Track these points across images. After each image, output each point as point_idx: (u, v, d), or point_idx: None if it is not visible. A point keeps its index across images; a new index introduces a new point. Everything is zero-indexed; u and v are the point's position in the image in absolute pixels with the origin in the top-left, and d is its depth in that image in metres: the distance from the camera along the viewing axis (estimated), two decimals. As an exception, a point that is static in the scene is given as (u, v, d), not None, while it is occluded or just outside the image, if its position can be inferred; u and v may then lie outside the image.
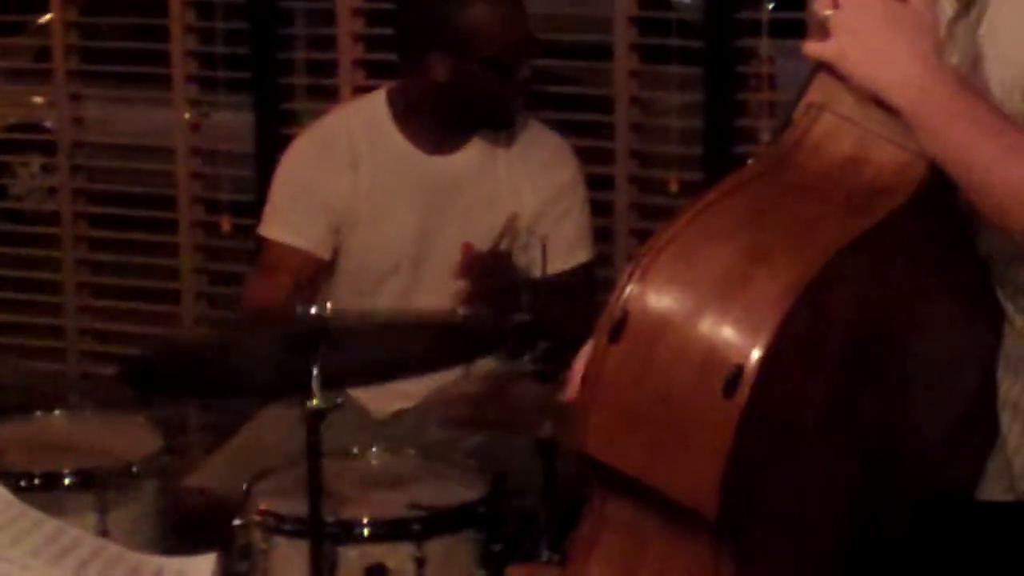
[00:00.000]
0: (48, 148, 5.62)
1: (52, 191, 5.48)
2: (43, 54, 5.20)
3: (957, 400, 2.44)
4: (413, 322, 3.54)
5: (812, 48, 2.27)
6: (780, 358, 2.05)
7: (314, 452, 2.99)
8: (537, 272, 3.54)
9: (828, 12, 2.25)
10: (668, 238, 2.17)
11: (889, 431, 2.34)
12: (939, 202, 2.30)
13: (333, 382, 3.03)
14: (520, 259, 3.76)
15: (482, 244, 3.75)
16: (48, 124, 5.39)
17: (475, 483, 3.31)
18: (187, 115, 4.76)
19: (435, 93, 3.72)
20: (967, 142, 2.22)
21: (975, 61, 2.38)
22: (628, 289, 2.14)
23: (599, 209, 4.03)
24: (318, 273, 3.79)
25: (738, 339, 2.07)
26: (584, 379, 2.20)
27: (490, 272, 3.62)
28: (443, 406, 3.60)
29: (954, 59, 2.47)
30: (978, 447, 2.46)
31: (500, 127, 3.78)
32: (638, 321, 2.14)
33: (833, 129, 2.27)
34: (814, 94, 2.29)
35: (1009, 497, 2.46)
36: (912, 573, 2.47)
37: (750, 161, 2.40)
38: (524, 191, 3.79)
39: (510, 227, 3.77)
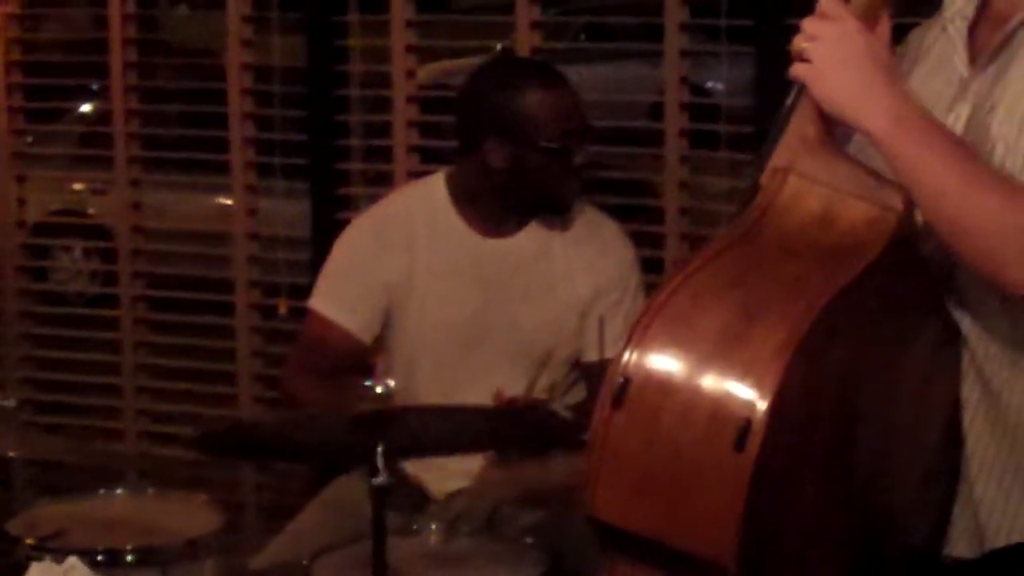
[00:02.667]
0: (90, 233, 5.68)
1: (94, 276, 5.46)
2: (86, 141, 5.25)
3: (924, 453, 2.49)
4: (471, 412, 3.54)
5: (794, 69, 2.31)
6: (784, 410, 2.11)
7: (379, 528, 3.02)
8: (595, 355, 3.59)
9: (806, 44, 2.31)
10: (660, 304, 2.21)
11: (875, 481, 2.40)
12: (909, 256, 2.37)
13: (395, 457, 3.07)
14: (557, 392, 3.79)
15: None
16: (91, 210, 5.40)
17: (533, 562, 3.33)
18: (245, 199, 4.79)
19: (493, 178, 3.74)
20: (940, 170, 2.27)
21: (986, 116, 2.43)
22: (627, 355, 2.18)
23: (652, 289, 4.05)
24: (356, 350, 3.81)
25: (743, 394, 2.11)
26: (590, 446, 2.23)
27: (523, 418, 3.56)
28: (500, 485, 3.63)
29: (964, 114, 2.54)
30: (938, 503, 2.50)
31: (558, 212, 3.80)
32: (640, 386, 2.18)
33: (800, 190, 2.33)
34: (778, 159, 2.35)
35: (975, 554, 2.49)
36: None
37: (724, 226, 2.44)
38: (580, 276, 3.80)
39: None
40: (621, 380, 2.17)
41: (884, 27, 2.37)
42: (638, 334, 2.18)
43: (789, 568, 2.25)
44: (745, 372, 2.12)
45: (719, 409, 2.12)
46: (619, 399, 2.17)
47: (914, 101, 2.31)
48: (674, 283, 2.21)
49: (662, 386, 2.16)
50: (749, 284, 2.22)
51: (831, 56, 2.30)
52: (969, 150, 2.31)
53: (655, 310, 2.19)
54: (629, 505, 2.19)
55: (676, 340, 2.18)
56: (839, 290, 2.18)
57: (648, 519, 2.18)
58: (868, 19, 2.35)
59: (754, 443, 2.08)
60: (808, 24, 2.32)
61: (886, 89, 2.29)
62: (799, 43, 2.30)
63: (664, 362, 2.17)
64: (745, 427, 2.08)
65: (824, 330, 2.15)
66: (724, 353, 2.15)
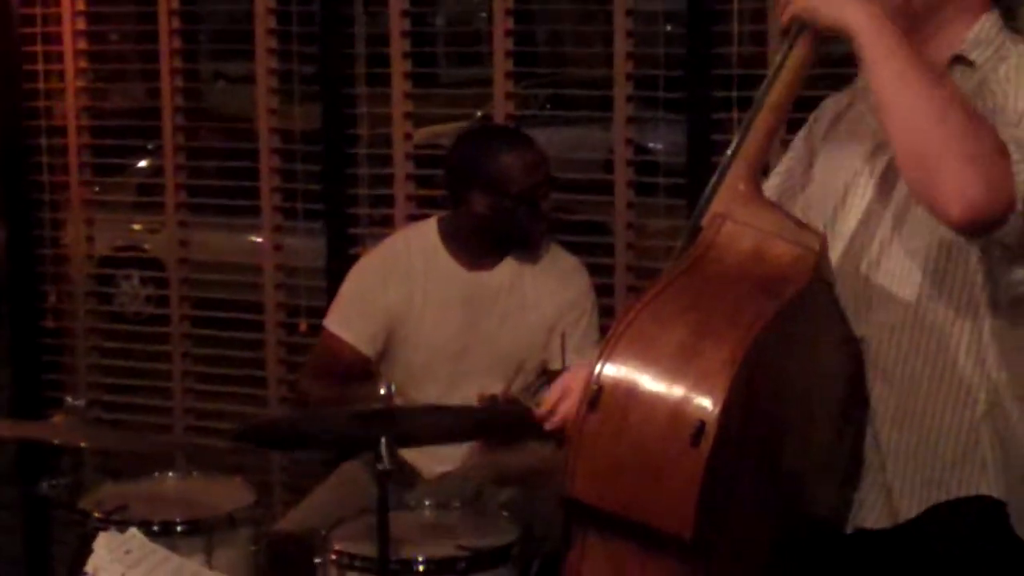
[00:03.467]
0: (146, 264, 5.67)
1: (148, 299, 5.45)
2: (142, 190, 5.24)
3: (828, 439, 2.52)
4: (458, 410, 3.59)
5: (786, 10, 2.36)
6: (730, 412, 2.15)
7: (383, 505, 3.07)
8: (559, 364, 3.62)
9: None
10: (626, 325, 2.26)
11: (793, 464, 2.44)
12: (822, 284, 2.40)
13: (395, 447, 3.10)
14: (531, 392, 3.81)
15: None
16: (148, 246, 5.38)
17: (508, 530, 3.37)
18: (272, 237, 4.80)
19: (476, 222, 3.78)
20: (905, 67, 2.24)
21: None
22: (599, 368, 2.24)
23: (604, 311, 4.04)
24: (360, 362, 3.83)
25: (698, 400, 2.16)
26: (568, 441, 2.28)
27: (502, 413, 3.58)
28: (481, 468, 3.66)
29: (880, 165, 2.52)
30: (840, 481, 2.52)
31: (528, 249, 3.83)
32: (610, 393, 2.23)
33: (736, 233, 2.37)
34: (717, 207, 2.39)
35: (885, 523, 2.50)
36: None
37: (669, 261, 2.46)
38: (546, 301, 3.83)
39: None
40: (595, 387, 2.22)
41: None
42: (608, 350, 2.23)
43: (732, 537, 2.28)
44: (698, 382, 2.17)
45: (678, 412, 2.16)
46: (593, 403, 2.21)
47: (888, 15, 2.29)
48: (636, 308, 2.27)
49: (629, 393, 2.20)
50: (698, 309, 2.26)
51: None
52: (935, 68, 2.31)
53: (622, 330, 2.24)
54: (601, 488, 2.24)
55: (640, 355, 2.22)
56: (770, 316, 2.23)
57: (617, 500, 2.23)
58: None
59: (707, 440, 2.13)
60: None
61: (865, 3, 2.28)
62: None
63: (630, 373, 2.21)
64: (700, 427, 2.13)
65: (760, 346, 2.19)
66: (680, 366, 2.19)
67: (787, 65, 2.40)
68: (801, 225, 2.40)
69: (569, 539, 2.42)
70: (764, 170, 2.59)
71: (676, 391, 2.18)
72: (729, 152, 2.43)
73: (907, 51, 2.26)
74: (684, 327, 2.23)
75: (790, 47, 2.40)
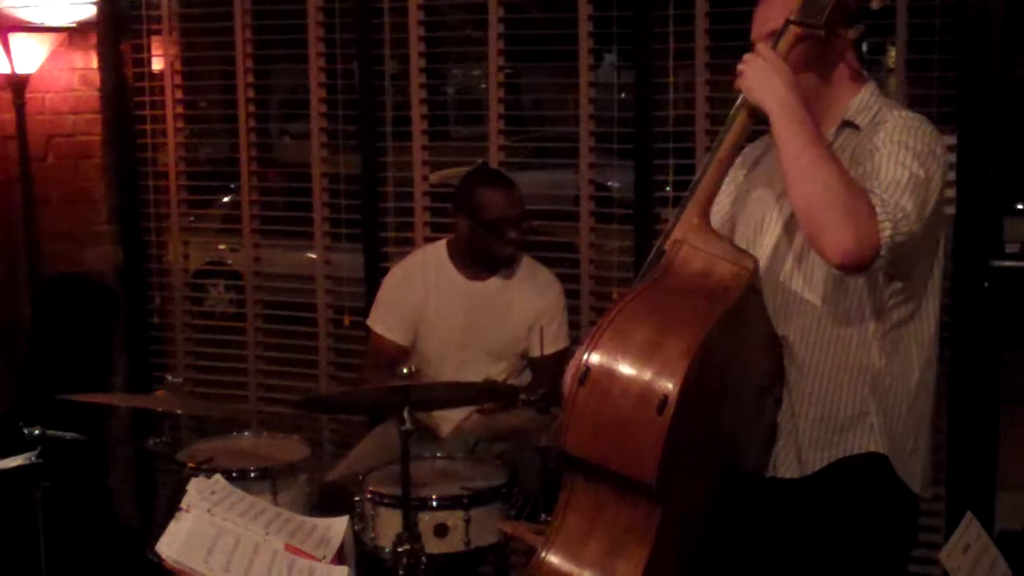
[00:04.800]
0: (229, 276, 5.64)
1: (231, 302, 5.42)
2: (226, 219, 5.22)
3: (753, 407, 2.53)
4: (458, 384, 3.61)
5: (737, 80, 2.37)
6: (687, 389, 2.18)
7: (405, 456, 3.08)
8: (537, 352, 3.60)
9: (742, 66, 2.36)
10: (608, 323, 2.29)
11: (729, 425, 2.44)
12: (755, 294, 2.42)
13: (415, 412, 3.09)
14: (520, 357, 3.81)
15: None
16: (230, 261, 5.35)
17: (500, 474, 3.39)
18: (323, 254, 4.77)
19: (464, 242, 3.77)
20: (801, 143, 2.27)
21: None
22: (586, 354, 2.27)
23: (572, 310, 4.05)
24: (401, 352, 3.81)
25: (662, 380, 2.19)
26: (564, 407, 2.29)
27: (498, 389, 3.57)
28: (480, 427, 3.65)
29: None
30: (762, 441, 2.54)
31: (502, 265, 3.79)
32: (595, 372, 2.25)
33: (690, 255, 2.38)
34: (676, 235, 2.41)
35: (795, 474, 2.52)
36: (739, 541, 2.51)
37: (642, 275, 2.47)
38: (528, 305, 3.81)
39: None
40: (584, 368, 2.24)
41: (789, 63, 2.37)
42: (594, 341, 2.26)
43: (685, 484, 2.29)
44: (663, 367, 2.19)
45: (647, 388, 2.19)
46: (583, 380, 2.25)
47: (799, 99, 2.31)
48: (615, 311, 2.30)
49: (609, 373, 2.23)
50: (662, 312, 2.28)
51: (757, 68, 2.34)
52: (827, 145, 2.31)
53: (604, 327, 2.27)
54: (587, 444, 2.26)
55: (618, 346, 2.24)
56: (716, 318, 2.26)
57: (599, 453, 2.25)
58: (783, 57, 2.36)
59: (669, 410, 2.16)
60: (748, 55, 2.37)
61: (783, 86, 2.30)
62: (741, 64, 2.37)
63: (611, 359, 2.24)
64: (664, 400, 2.16)
65: (709, 340, 2.22)
66: (649, 355, 2.22)
67: (732, 128, 2.42)
68: (740, 250, 2.42)
69: (555, 484, 2.44)
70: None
71: (646, 373, 2.20)
72: (686, 194, 2.44)
73: (807, 133, 2.27)
74: (651, 326, 2.25)
75: (735, 115, 2.41)
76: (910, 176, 2.28)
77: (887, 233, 2.21)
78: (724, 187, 2.62)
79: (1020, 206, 6.99)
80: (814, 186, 2.24)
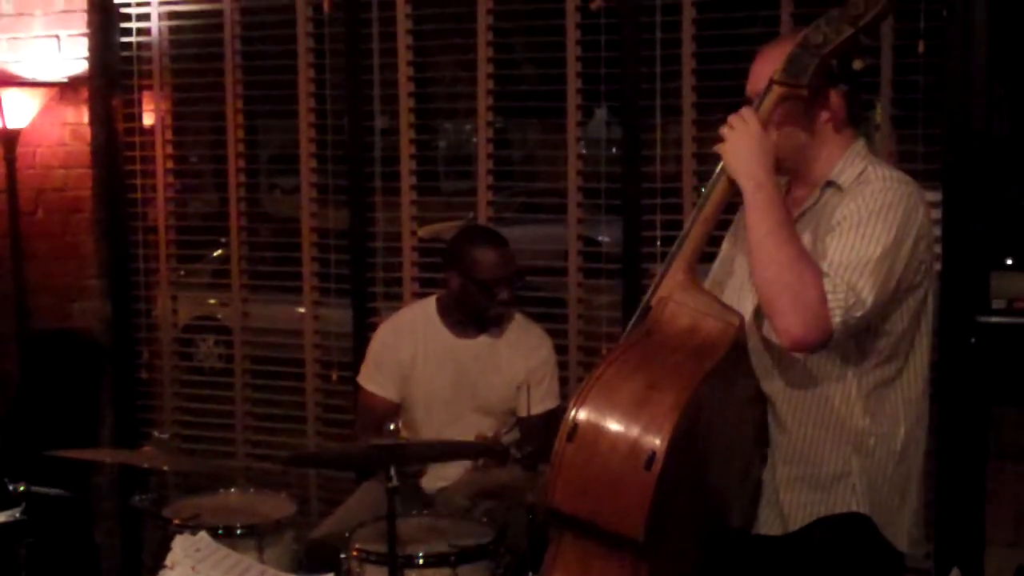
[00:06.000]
0: (219, 331, 5.63)
1: (220, 357, 5.41)
2: (216, 274, 5.22)
3: (740, 466, 2.53)
4: (441, 443, 3.59)
5: (719, 146, 2.39)
6: (674, 445, 2.18)
7: (391, 512, 3.05)
8: (524, 412, 3.59)
9: (725, 130, 2.37)
10: (596, 379, 2.29)
11: (716, 483, 2.45)
12: (740, 351, 2.43)
13: (401, 470, 3.07)
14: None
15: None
16: (220, 316, 5.35)
17: (487, 532, 3.34)
18: (311, 309, 4.76)
19: (454, 299, 3.76)
20: (767, 226, 2.30)
21: None
22: (574, 411, 2.26)
23: (560, 365, 4.04)
24: (392, 408, 3.79)
25: (650, 436, 2.19)
26: (552, 464, 2.28)
27: (490, 449, 3.57)
28: (468, 485, 3.63)
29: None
30: (748, 498, 2.54)
31: (492, 324, 3.78)
32: (584, 428, 2.25)
33: (677, 312, 2.38)
34: (662, 291, 2.42)
35: (778, 531, 2.52)
36: None
37: (629, 331, 2.48)
38: (517, 364, 3.79)
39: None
40: (572, 424, 2.24)
41: (772, 126, 2.39)
42: (582, 397, 2.26)
43: (672, 540, 2.29)
44: (650, 423, 2.19)
45: (635, 444, 2.19)
46: (571, 436, 2.24)
47: (774, 178, 2.34)
48: (603, 367, 2.30)
49: (598, 429, 2.23)
50: (650, 368, 2.28)
51: (737, 139, 2.36)
52: (794, 229, 2.33)
53: (592, 384, 2.28)
54: (575, 500, 2.25)
55: (606, 402, 2.24)
56: (705, 374, 2.26)
57: (587, 509, 2.24)
58: (766, 124, 2.38)
59: (657, 466, 2.16)
60: (732, 118, 2.38)
61: (758, 166, 2.33)
62: (723, 128, 2.39)
63: (599, 415, 2.24)
64: (652, 456, 2.16)
65: (696, 397, 2.22)
66: (637, 411, 2.22)
67: (716, 187, 2.44)
68: (726, 307, 2.43)
69: (542, 541, 2.43)
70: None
71: (634, 429, 2.20)
72: (672, 250, 2.46)
73: (773, 217, 2.31)
74: (639, 382, 2.25)
75: (719, 176, 2.43)
76: (873, 250, 2.31)
77: (837, 319, 2.25)
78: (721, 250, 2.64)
79: (1010, 261, 7.01)
80: (770, 271, 2.28)
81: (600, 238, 4.69)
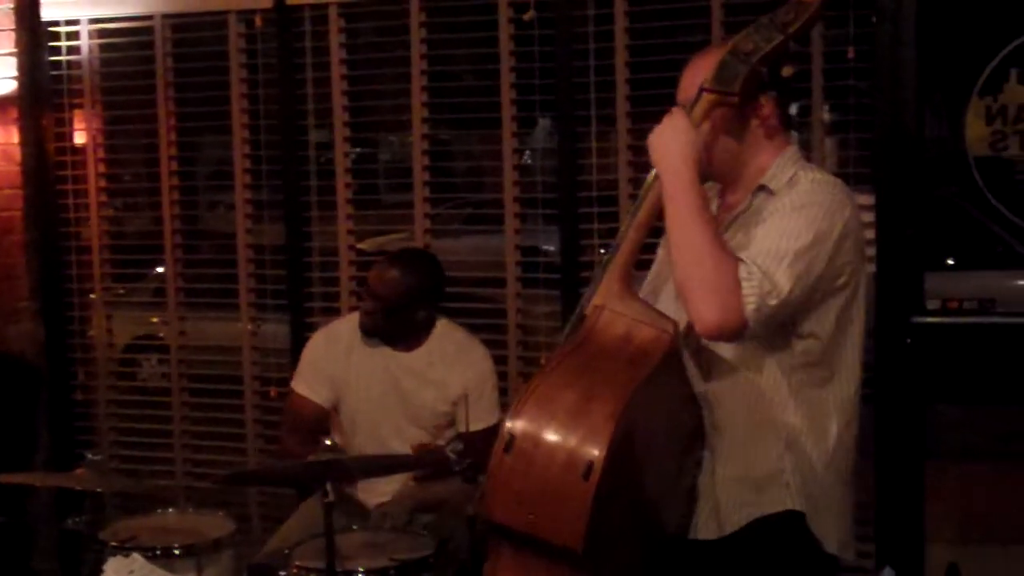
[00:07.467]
0: (162, 349, 5.58)
1: (164, 376, 5.35)
2: (156, 292, 5.18)
3: (674, 469, 2.52)
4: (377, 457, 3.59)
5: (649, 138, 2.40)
6: (611, 454, 2.18)
7: (329, 528, 3.03)
8: (463, 427, 3.58)
9: (659, 126, 2.39)
10: (531, 390, 2.29)
11: (652, 489, 2.45)
12: (674, 357, 2.42)
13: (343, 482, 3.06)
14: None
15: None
16: (162, 335, 5.29)
17: (428, 544, 3.34)
18: (249, 325, 4.74)
19: (363, 315, 3.79)
20: (683, 213, 2.32)
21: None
22: (511, 422, 2.26)
23: (500, 375, 4.01)
24: (322, 415, 3.78)
25: (587, 446, 2.19)
26: (489, 476, 2.28)
27: (428, 457, 3.58)
28: (408, 498, 3.61)
29: None
30: (683, 502, 2.53)
31: (392, 344, 3.78)
32: (521, 440, 2.25)
33: (611, 320, 2.38)
34: (597, 299, 2.42)
35: (714, 535, 2.52)
36: None
37: (564, 340, 2.47)
38: (453, 379, 3.77)
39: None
40: (509, 436, 2.24)
41: (703, 130, 2.40)
42: (518, 409, 2.26)
43: (611, 548, 2.28)
44: (587, 433, 2.20)
45: (572, 455, 2.19)
46: (508, 448, 2.24)
47: (694, 170, 2.35)
48: (539, 378, 2.30)
49: (535, 440, 2.23)
50: (586, 378, 2.28)
51: (663, 129, 2.38)
52: (710, 218, 2.34)
53: (527, 395, 2.27)
54: (513, 512, 2.24)
55: (542, 413, 2.24)
56: (640, 382, 2.27)
57: (526, 521, 2.23)
58: (697, 123, 2.38)
59: (595, 475, 2.16)
60: (666, 115, 2.40)
61: (679, 156, 2.34)
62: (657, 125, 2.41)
63: (536, 426, 2.24)
64: (590, 466, 2.16)
65: (632, 405, 2.22)
66: (573, 421, 2.22)
67: (648, 196, 2.44)
68: (660, 314, 2.43)
69: (483, 553, 2.42)
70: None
71: (571, 439, 2.20)
72: (606, 258, 2.46)
73: (690, 205, 2.32)
74: (575, 392, 2.25)
75: (652, 180, 2.44)
76: (794, 243, 2.32)
77: (751, 307, 2.26)
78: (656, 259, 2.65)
79: (951, 261, 7.07)
80: (685, 259, 2.29)
81: (545, 247, 4.69)
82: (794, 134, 4.30)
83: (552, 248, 4.43)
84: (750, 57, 2.36)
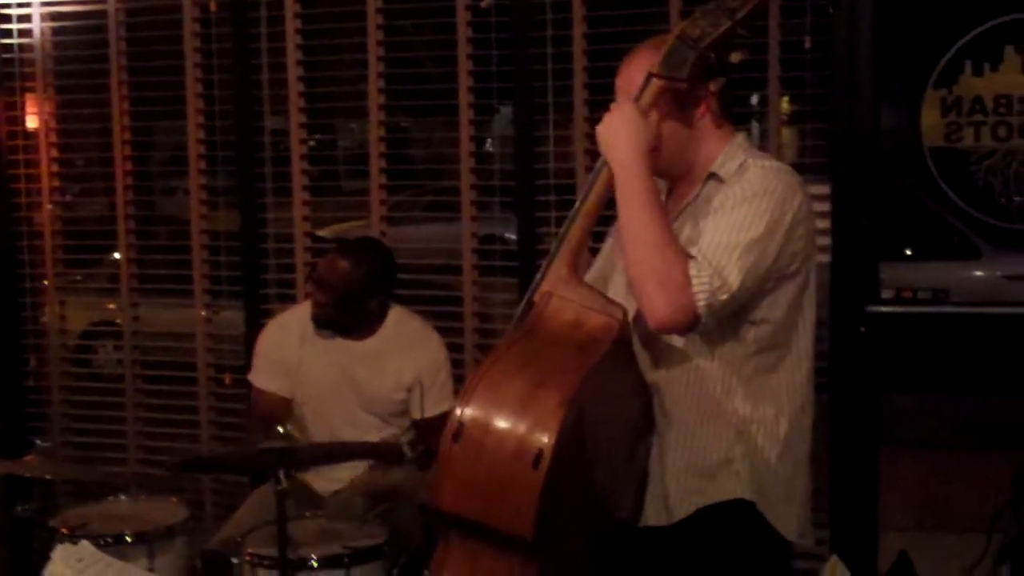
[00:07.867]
0: (117, 336, 5.55)
1: (120, 362, 5.32)
2: (111, 279, 5.14)
3: (624, 456, 2.53)
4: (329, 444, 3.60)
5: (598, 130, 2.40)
6: (561, 442, 2.17)
7: (281, 516, 3.04)
8: (418, 415, 3.56)
9: (607, 114, 2.39)
10: (479, 378, 2.27)
11: (602, 476, 2.44)
12: (624, 344, 2.43)
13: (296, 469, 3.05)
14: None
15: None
16: (118, 321, 5.27)
17: (381, 532, 3.33)
18: (203, 312, 4.71)
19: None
20: (634, 205, 2.32)
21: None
22: (460, 410, 2.24)
23: (456, 363, 4.01)
24: (284, 404, 3.77)
25: (537, 434, 2.18)
26: (438, 464, 2.26)
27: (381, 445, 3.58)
28: (362, 486, 3.60)
29: None
30: (634, 489, 2.54)
31: (350, 332, 3.77)
32: (469, 428, 2.23)
33: (560, 306, 2.37)
34: (545, 286, 2.41)
35: (664, 522, 2.52)
36: None
37: (513, 327, 2.47)
38: (406, 365, 3.76)
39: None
40: (457, 424, 2.22)
41: (652, 118, 2.39)
42: (466, 397, 2.24)
43: (561, 536, 2.27)
44: (537, 421, 2.18)
45: (522, 443, 2.17)
46: (456, 436, 2.22)
47: (645, 161, 2.34)
48: (487, 365, 2.29)
49: (484, 428, 2.21)
50: (534, 365, 2.27)
51: (612, 121, 2.38)
52: (661, 210, 2.34)
53: (476, 382, 2.25)
54: (462, 501, 2.23)
55: (491, 400, 2.23)
56: (588, 369, 2.26)
57: (475, 509, 2.22)
58: (645, 112, 2.38)
59: (545, 463, 2.15)
60: (613, 104, 2.39)
61: (629, 146, 2.34)
62: (606, 113, 2.40)
63: (485, 414, 2.22)
64: (539, 454, 2.15)
65: (581, 393, 2.21)
66: (522, 408, 2.20)
67: (597, 183, 2.43)
68: (610, 301, 2.42)
69: (435, 540, 2.40)
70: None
71: (520, 427, 2.19)
72: (554, 245, 2.45)
73: (640, 197, 2.32)
74: (524, 379, 2.24)
75: (600, 167, 2.43)
76: (743, 235, 2.32)
77: (702, 302, 2.26)
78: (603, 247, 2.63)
79: (908, 252, 7.11)
80: (636, 252, 2.30)
81: (503, 235, 4.69)
82: (754, 124, 4.36)
83: (510, 236, 4.43)
84: (698, 43, 2.36)
